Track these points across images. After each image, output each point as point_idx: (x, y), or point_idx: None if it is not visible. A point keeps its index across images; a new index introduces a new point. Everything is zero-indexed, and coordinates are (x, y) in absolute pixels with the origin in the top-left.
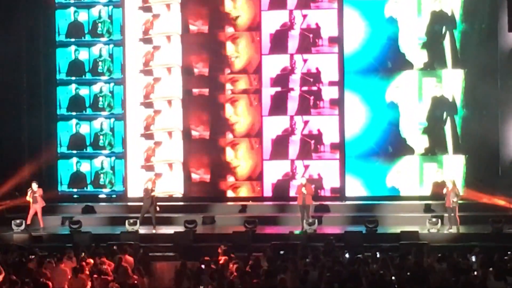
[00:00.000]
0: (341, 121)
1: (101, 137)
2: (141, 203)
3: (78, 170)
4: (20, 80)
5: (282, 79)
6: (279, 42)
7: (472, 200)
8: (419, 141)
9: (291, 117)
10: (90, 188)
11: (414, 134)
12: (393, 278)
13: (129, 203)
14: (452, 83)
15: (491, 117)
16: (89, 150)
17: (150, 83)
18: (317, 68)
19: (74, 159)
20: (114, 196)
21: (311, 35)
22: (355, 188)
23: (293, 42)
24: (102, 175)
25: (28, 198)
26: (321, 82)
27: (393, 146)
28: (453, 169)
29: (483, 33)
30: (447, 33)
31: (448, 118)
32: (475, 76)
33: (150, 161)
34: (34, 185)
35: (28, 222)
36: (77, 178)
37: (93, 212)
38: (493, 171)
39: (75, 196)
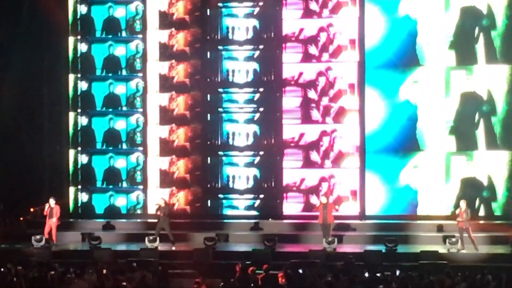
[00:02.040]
0: (362, 131)
1: (137, 134)
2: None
3: (113, 166)
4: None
5: (303, 87)
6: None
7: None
8: (445, 138)
9: (314, 127)
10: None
11: (440, 131)
12: None
13: (149, 220)
14: (490, 79)
15: None
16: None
17: (172, 96)
18: (335, 78)
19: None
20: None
21: (331, 42)
22: (375, 186)
23: (314, 50)
24: (137, 172)
25: (45, 213)
26: (342, 90)
27: (413, 142)
28: (492, 164)
29: None
30: (481, 29)
31: (482, 115)
32: None
33: (170, 176)
34: (52, 201)
35: (46, 236)
36: (112, 174)
37: (113, 229)
38: None
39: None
